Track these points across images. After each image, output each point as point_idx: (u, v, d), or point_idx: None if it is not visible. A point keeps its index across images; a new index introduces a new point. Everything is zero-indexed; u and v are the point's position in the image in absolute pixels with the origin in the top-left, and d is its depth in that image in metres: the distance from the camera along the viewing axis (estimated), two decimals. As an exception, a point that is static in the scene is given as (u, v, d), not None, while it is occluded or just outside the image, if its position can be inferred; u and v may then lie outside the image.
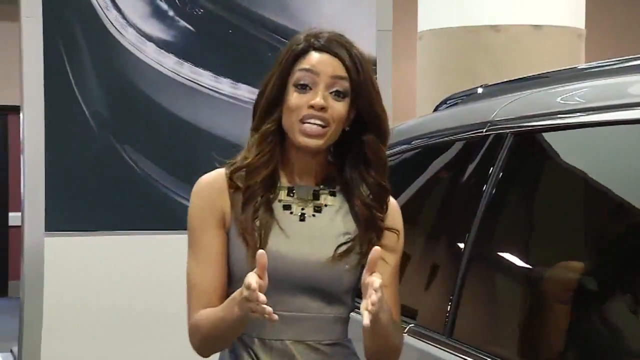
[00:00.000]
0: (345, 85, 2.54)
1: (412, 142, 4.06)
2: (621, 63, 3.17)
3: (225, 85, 6.00)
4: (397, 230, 2.70)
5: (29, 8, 5.65)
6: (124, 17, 5.77)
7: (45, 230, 5.70)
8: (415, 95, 8.58)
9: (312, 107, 2.50)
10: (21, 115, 5.81)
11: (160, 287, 5.65)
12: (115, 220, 5.87)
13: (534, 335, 3.08)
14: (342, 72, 2.54)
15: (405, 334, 3.48)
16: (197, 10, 5.96)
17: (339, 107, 2.53)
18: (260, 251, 2.41)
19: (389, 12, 6.41)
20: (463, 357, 3.22)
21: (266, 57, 5.98)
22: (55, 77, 5.69)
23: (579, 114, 3.07)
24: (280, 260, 2.54)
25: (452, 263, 3.48)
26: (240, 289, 2.44)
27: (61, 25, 5.69)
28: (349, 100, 2.56)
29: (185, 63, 5.89)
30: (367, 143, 2.61)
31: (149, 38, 5.86)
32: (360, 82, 2.55)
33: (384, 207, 2.66)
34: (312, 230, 2.62)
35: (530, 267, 3.25)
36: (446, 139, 3.83)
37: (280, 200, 2.63)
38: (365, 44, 5.88)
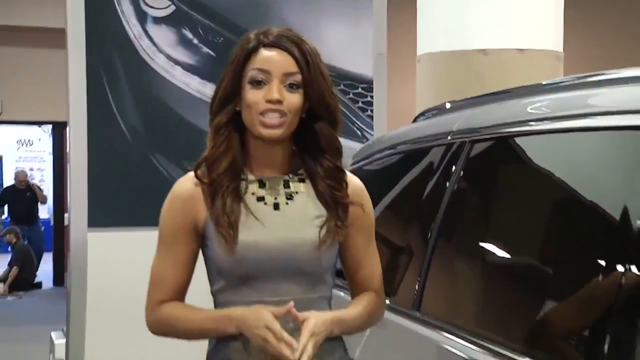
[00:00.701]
0: (297, 78, 2.46)
1: (397, 147, 4.07)
2: (571, 81, 3.19)
3: None
4: (360, 204, 2.61)
5: (74, 38, 5.68)
6: (154, 45, 5.82)
7: (89, 227, 5.75)
8: (415, 112, 8.49)
9: (269, 101, 2.42)
10: (68, 129, 5.92)
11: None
12: (148, 217, 5.72)
13: (488, 309, 3.15)
14: (293, 66, 2.46)
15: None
16: (217, 38, 5.95)
17: (294, 98, 2.45)
18: (290, 304, 2.38)
19: (384, 37, 6.38)
20: (429, 329, 3.25)
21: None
22: (97, 97, 5.73)
23: (525, 124, 3.13)
24: (261, 250, 2.48)
25: (421, 248, 3.51)
26: (239, 312, 2.43)
27: (101, 53, 5.74)
28: (302, 91, 2.48)
29: (208, 83, 5.84)
30: (320, 130, 2.53)
31: (177, 62, 5.89)
32: (310, 74, 2.47)
33: (342, 185, 2.57)
34: (287, 217, 2.53)
35: (485, 251, 3.30)
36: (421, 145, 3.83)
37: (253, 194, 2.53)
38: (364, 66, 6.20)
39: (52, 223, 16.56)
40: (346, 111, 6.05)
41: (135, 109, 5.86)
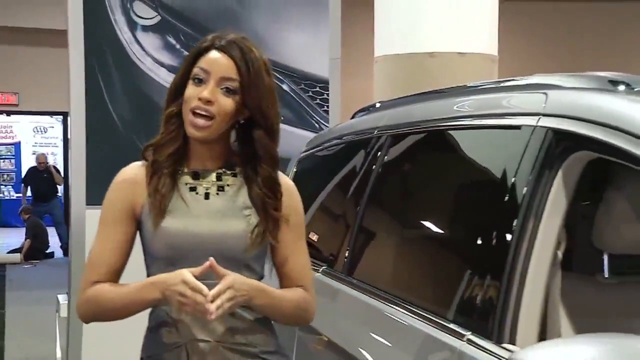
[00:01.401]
0: (234, 84, 2.32)
1: (342, 138, 4.11)
2: (482, 85, 3.27)
3: None
4: (292, 212, 2.48)
5: (74, 42, 5.69)
6: (143, 49, 5.81)
7: (86, 204, 5.70)
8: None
9: (200, 99, 2.29)
10: (69, 118, 5.89)
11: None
12: None
13: (402, 273, 3.25)
14: (233, 72, 2.32)
15: (320, 274, 3.62)
16: (196, 43, 5.98)
17: (226, 103, 2.31)
18: (210, 260, 2.22)
19: (338, 44, 6.33)
20: (357, 289, 3.32)
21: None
22: (93, 92, 5.72)
23: (431, 122, 3.24)
24: (189, 236, 2.33)
25: (352, 221, 3.57)
26: (161, 276, 2.28)
27: (97, 55, 5.74)
28: (239, 97, 2.34)
29: None
30: (257, 139, 2.39)
31: (162, 64, 5.84)
32: (249, 83, 2.33)
33: (277, 195, 2.42)
34: (216, 207, 2.38)
35: (399, 224, 3.45)
36: (357, 137, 3.89)
37: (187, 184, 2.40)
38: (321, 69, 6.19)
39: (62, 201, 16.67)
40: (306, 107, 6.08)
41: (125, 102, 5.84)
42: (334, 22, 6.20)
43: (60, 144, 19.43)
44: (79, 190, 5.78)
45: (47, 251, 14.85)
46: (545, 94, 2.60)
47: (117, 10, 5.80)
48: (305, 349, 3.66)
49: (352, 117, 4.34)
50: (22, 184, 16.80)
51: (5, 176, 21.59)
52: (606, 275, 2.63)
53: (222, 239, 2.35)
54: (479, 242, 2.74)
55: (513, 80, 2.99)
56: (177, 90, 2.39)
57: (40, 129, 21.31)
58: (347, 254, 3.54)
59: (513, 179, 2.55)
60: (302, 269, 2.52)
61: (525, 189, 2.47)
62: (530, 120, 2.55)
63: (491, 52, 6.30)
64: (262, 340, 2.42)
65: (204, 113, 2.30)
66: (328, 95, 6.17)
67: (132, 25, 5.83)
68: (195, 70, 2.34)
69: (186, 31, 5.91)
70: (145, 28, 5.84)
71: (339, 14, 6.24)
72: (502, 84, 3.08)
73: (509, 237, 2.47)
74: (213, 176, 2.41)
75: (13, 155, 21.76)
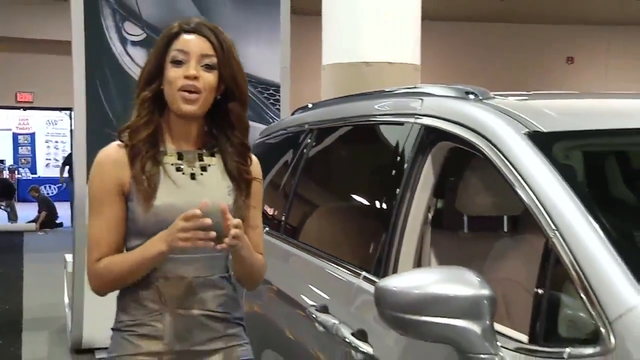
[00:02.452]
0: (213, 60, 2.10)
1: (287, 129, 4.04)
2: (384, 91, 3.25)
3: None
4: (259, 179, 2.30)
5: (77, 52, 5.81)
6: (132, 60, 5.91)
7: (87, 181, 5.99)
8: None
9: (187, 77, 2.07)
10: (73, 113, 6.03)
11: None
12: None
13: (324, 232, 3.33)
14: (209, 49, 2.11)
15: (265, 234, 3.47)
16: None
17: (209, 77, 2.09)
18: (204, 200, 2.00)
19: (288, 54, 6.34)
20: (291, 245, 3.36)
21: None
22: (92, 93, 5.84)
23: (342, 120, 3.32)
24: (179, 212, 2.02)
25: (288, 195, 3.59)
26: (164, 231, 2.04)
27: (95, 63, 5.84)
28: (217, 73, 2.12)
29: None
30: (232, 109, 2.17)
31: None
32: (225, 58, 2.12)
33: (247, 161, 2.23)
34: (202, 186, 2.14)
35: (324, 196, 3.57)
36: (295, 129, 3.85)
37: (172, 164, 2.14)
38: (274, 75, 6.24)
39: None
40: (262, 105, 6.13)
41: (117, 101, 5.88)
42: (284, 37, 6.22)
43: (68, 134, 19.34)
44: (81, 170, 5.81)
45: (57, 221, 14.89)
46: (421, 99, 2.69)
47: (111, 29, 5.89)
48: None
49: (292, 114, 4.34)
50: (62, 165, 16.32)
51: (23, 160, 21.46)
52: (465, 231, 2.72)
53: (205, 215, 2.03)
54: (375, 207, 2.85)
55: (405, 88, 3.00)
56: (150, 75, 2.15)
57: (51, 121, 21.14)
58: (283, 219, 3.58)
59: (398, 161, 2.65)
60: (260, 236, 2.33)
61: (406, 168, 2.57)
62: (410, 119, 2.66)
63: (415, 62, 6.18)
64: (234, 309, 2.24)
65: (192, 89, 2.08)
66: (279, 97, 6.22)
67: (123, 41, 5.93)
68: (173, 53, 2.11)
69: None
70: (134, 43, 5.93)
71: (288, 31, 6.24)
72: (397, 91, 3.09)
73: (394, 203, 2.57)
74: (196, 156, 2.18)
75: (29, 143, 21.63)
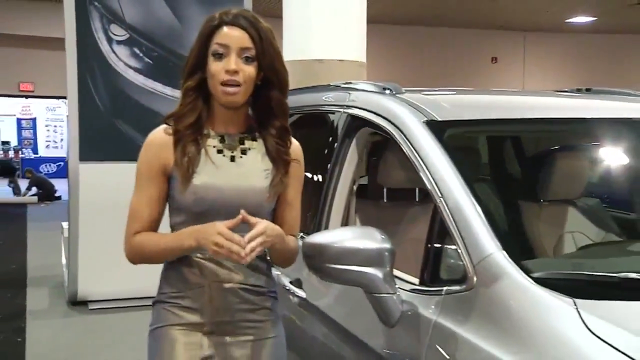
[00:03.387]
0: (252, 52, 1.90)
1: None
2: (326, 86, 3.20)
3: (167, 89, 5.98)
4: (297, 160, 2.07)
5: (70, 51, 5.81)
6: (117, 57, 5.93)
7: (80, 160, 5.85)
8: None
9: (227, 71, 1.88)
10: (67, 101, 5.96)
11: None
12: (111, 156, 5.81)
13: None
14: (248, 42, 1.90)
15: None
16: (153, 53, 6.00)
17: (249, 70, 1.90)
18: (242, 211, 1.83)
19: None
20: None
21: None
22: (83, 84, 5.85)
23: (297, 109, 3.04)
24: (218, 192, 1.92)
25: None
26: (196, 227, 1.88)
27: (86, 60, 5.84)
28: (257, 63, 1.91)
29: (149, 79, 5.98)
30: (272, 96, 1.97)
31: (130, 67, 5.96)
32: (263, 48, 1.91)
33: (287, 143, 2.02)
34: (241, 168, 1.96)
35: None
36: None
37: (214, 147, 1.97)
38: None
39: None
40: None
41: (104, 92, 5.93)
42: None
43: (65, 119, 19.19)
44: (74, 151, 5.88)
45: (56, 195, 14.82)
46: (349, 92, 2.74)
47: (99, 30, 5.89)
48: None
49: None
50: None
51: (26, 142, 21.27)
52: (385, 200, 2.80)
53: (245, 195, 1.94)
54: (313, 180, 2.84)
55: (339, 83, 3.03)
56: (194, 66, 1.97)
57: (50, 108, 20.95)
58: None
59: (330, 142, 2.70)
60: (296, 218, 2.11)
61: (335, 148, 2.63)
62: (340, 109, 2.71)
63: (361, 60, 6.15)
64: (269, 283, 2.06)
65: (232, 83, 1.90)
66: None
67: (109, 40, 5.93)
68: (214, 47, 1.92)
69: (146, 44, 6.00)
70: (119, 42, 5.96)
71: None
72: (335, 85, 3.06)
73: (326, 177, 2.64)
74: (237, 140, 2.00)
75: (31, 127, 21.42)
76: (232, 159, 1.97)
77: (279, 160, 2.00)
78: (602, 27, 17.69)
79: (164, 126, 2.01)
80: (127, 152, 5.59)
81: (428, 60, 17.08)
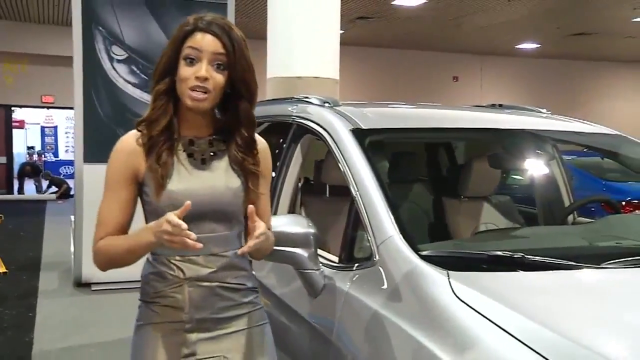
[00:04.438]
0: (223, 59, 1.68)
1: None
2: (286, 99, 3.15)
3: None
4: (264, 166, 1.83)
5: (77, 69, 5.88)
6: (118, 73, 5.99)
7: (84, 161, 5.89)
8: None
9: (197, 77, 1.67)
10: (74, 110, 6.01)
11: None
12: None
13: None
14: (221, 49, 1.68)
15: None
16: (150, 70, 5.88)
17: (219, 77, 1.68)
18: (187, 202, 1.58)
19: None
20: None
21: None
22: (87, 98, 5.92)
23: (263, 117, 2.98)
24: (192, 196, 1.66)
25: None
26: (153, 222, 1.64)
27: (91, 76, 5.91)
28: (227, 72, 1.69)
29: (145, 93, 5.95)
30: (240, 105, 1.74)
31: (129, 82, 6.02)
32: (235, 58, 1.68)
33: (253, 153, 1.79)
34: (212, 170, 1.75)
35: None
36: None
37: (184, 151, 1.75)
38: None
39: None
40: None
41: (107, 104, 5.99)
42: None
43: (83, 127, 19.11)
44: (79, 153, 5.94)
45: (71, 193, 14.80)
46: (297, 105, 2.77)
47: (102, 51, 5.96)
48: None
49: None
50: None
51: (48, 147, 21.23)
52: (327, 195, 2.91)
53: (221, 198, 1.74)
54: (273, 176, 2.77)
55: (295, 97, 3.00)
56: (165, 69, 1.74)
57: (70, 117, 20.79)
58: None
59: (284, 146, 2.71)
60: (269, 213, 1.91)
61: (284, 150, 2.68)
62: (289, 119, 2.75)
63: (335, 77, 5.95)
64: (248, 280, 1.83)
65: (201, 90, 1.69)
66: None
67: (111, 59, 5.99)
68: (187, 51, 1.71)
69: (143, 62, 6.07)
70: (119, 61, 6.02)
71: None
72: (291, 98, 3.05)
73: (279, 174, 2.66)
74: (207, 143, 1.78)
75: (53, 134, 21.40)
76: (203, 161, 1.75)
77: (245, 172, 1.77)
78: (545, 52, 17.93)
79: (133, 132, 1.78)
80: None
81: (397, 79, 17.08)
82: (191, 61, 1.69)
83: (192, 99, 1.69)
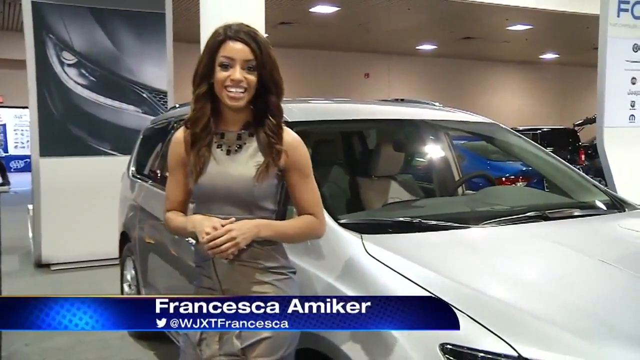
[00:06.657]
0: (253, 63, 1.73)
1: (163, 120, 3.71)
2: None
3: (108, 101, 5.91)
4: (293, 151, 1.79)
5: (30, 71, 5.64)
6: (68, 76, 5.80)
7: (40, 156, 5.73)
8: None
9: (232, 80, 1.72)
10: (29, 110, 5.78)
11: (109, 175, 4.78)
12: (62, 152, 5.74)
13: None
14: (250, 55, 1.73)
15: (148, 184, 3.48)
16: (96, 72, 5.86)
17: (251, 78, 1.73)
18: (232, 218, 1.71)
19: (172, 72, 6.05)
20: (157, 188, 3.21)
21: (129, 92, 5.92)
22: (41, 98, 5.72)
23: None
24: (214, 181, 1.74)
25: (156, 160, 3.40)
26: (199, 217, 1.75)
27: (43, 78, 5.70)
28: (257, 72, 1.74)
29: (93, 93, 5.87)
30: (269, 100, 1.76)
31: (79, 84, 5.83)
32: (263, 60, 1.73)
33: (278, 135, 1.76)
34: (235, 160, 1.77)
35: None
36: (166, 120, 3.59)
37: (215, 142, 1.79)
38: (164, 85, 5.99)
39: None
40: (155, 105, 6.01)
41: (59, 103, 5.80)
42: (169, 59, 6.14)
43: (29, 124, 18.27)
44: (35, 149, 5.80)
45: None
46: (175, 107, 2.68)
47: (53, 56, 5.80)
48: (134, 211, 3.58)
49: (168, 110, 4.11)
50: None
51: (-3, 144, 20.35)
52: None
53: (232, 184, 1.75)
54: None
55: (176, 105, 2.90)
56: (203, 76, 1.78)
57: (18, 116, 20.01)
58: (149, 172, 3.61)
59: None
60: (310, 201, 1.82)
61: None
62: (173, 118, 2.61)
63: None
64: (266, 259, 1.78)
65: (238, 91, 1.74)
66: (166, 100, 6.14)
67: (62, 64, 5.84)
68: (221, 59, 1.74)
69: (91, 66, 5.92)
70: (69, 65, 5.88)
71: (172, 55, 6.15)
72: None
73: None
74: (235, 136, 1.80)
75: (2, 132, 20.45)
76: (228, 152, 1.78)
77: (270, 148, 1.75)
78: (442, 53, 18.44)
79: (182, 128, 1.85)
80: (77, 148, 5.85)
81: (316, 77, 17.06)
82: (225, 67, 1.73)
83: (230, 98, 1.73)
